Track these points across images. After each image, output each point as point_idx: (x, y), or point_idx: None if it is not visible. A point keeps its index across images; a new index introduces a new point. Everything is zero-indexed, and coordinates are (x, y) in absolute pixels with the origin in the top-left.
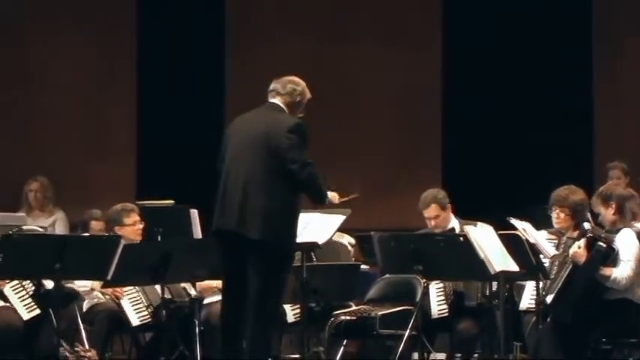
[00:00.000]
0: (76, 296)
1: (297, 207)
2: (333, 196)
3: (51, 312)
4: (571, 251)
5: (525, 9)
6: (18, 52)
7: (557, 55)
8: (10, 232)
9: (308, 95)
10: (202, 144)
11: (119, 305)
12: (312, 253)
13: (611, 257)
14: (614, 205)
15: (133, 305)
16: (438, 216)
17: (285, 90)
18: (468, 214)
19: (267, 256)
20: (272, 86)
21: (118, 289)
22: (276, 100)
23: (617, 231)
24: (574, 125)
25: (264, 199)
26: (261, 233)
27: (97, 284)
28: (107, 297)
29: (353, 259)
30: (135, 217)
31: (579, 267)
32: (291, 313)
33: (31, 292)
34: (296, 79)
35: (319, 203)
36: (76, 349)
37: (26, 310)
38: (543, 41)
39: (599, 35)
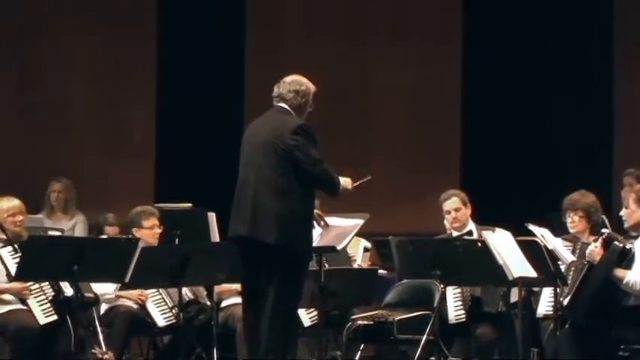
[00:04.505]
0: (95, 302)
1: (309, 209)
2: (345, 182)
3: (69, 319)
4: (587, 251)
5: (546, 8)
6: (38, 52)
7: (577, 59)
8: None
9: (312, 91)
10: (221, 147)
11: (144, 308)
12: (324, 257)
13: (627, 258)
14: None
15: (157, 307)
16: (459, 209)
17: (288, 95)
18: (486, 220)
19: (282, 259)
20: (275, 91)
21: (143, 294)
22: (282, 104)
23: (637, 237)
24: (593, 131)
25: (275, 203)
26: (275, 237)
27: (121, 293)
28: (136, 306)
29: (359, 262)
30: (154, 220)
31: (595, 265)
32: (307, 317)
33: (50, 298)
34: (297, 78)
35: (334, 196)
36: (94, 351)
37: (44, 315)
38: (564, 45)
39: (620, 39)
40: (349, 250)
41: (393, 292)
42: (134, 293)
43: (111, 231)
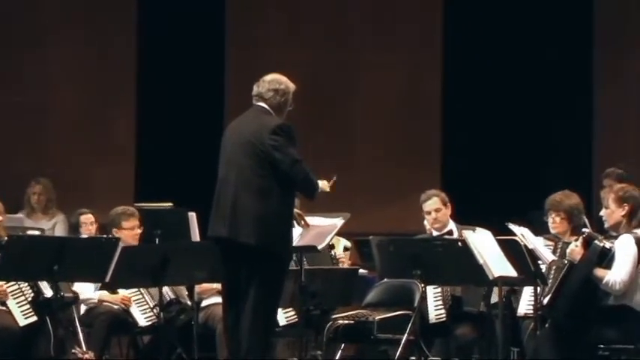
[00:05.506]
0: (75, 302)
1: (289, 209)
2: (323, 184)
3: (48, 321)
4: (568, 250)
5: (525, 11)
6: (18, 53)
7: (557, 60)
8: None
9: (292, 89)
10: (201, 146)
11: (127, 312)
12: (304, 257)
13: (607, 257)
14: (627, 208)
15: (138, 307)
16: (440, 209)
17: (268, 94)
18: (466, 220)
19: (262, 260)
20: (255, 90)
21: (126, 298)
22: (262, 104)
23: (617, 237)
24: (574, 131)
25: (255, 203)
26: (255, 238)
27: (105, 295)
28: (117, 307)
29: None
30: (134, 222)
31: (575, 265)
32: (283, 316)
33: (29, 299)
34: (276, 77)
35: (311, 198)
36: (74, 351)
37: (23, 317)
38: (543, 46)
39: (600, 42)
40: (337, 251)
41: (374, 292)
42: (118, 298)
43: (87, 219)
